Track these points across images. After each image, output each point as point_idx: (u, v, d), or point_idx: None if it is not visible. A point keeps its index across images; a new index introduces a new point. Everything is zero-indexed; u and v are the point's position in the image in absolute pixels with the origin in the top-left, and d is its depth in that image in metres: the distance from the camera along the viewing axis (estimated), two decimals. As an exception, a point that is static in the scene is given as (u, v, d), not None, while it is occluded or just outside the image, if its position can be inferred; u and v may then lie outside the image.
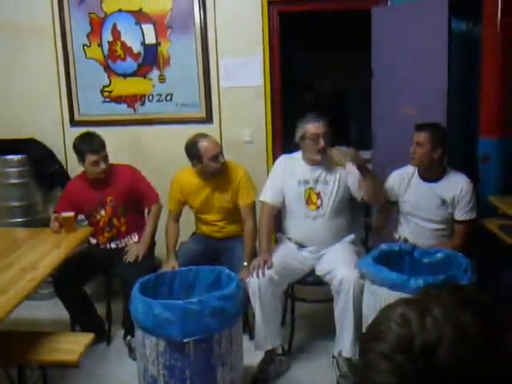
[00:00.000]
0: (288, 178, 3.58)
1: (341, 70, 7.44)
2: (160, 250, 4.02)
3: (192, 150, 3.66)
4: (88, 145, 3.71)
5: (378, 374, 0.72)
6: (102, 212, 3.84)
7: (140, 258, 3.70)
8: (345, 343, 3.25)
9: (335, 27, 6.58)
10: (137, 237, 3.90)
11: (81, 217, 3.99)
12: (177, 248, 3.90)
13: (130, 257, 3.71)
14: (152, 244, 3.92)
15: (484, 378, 0.70)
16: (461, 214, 3.43)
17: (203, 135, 3.73)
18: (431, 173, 3.47)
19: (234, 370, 2.88)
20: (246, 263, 3.60)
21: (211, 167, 3.67)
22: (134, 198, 3.89)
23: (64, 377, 3.35)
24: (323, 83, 7.79)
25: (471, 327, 0.72)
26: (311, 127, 3.44)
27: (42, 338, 2.87)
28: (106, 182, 3.82)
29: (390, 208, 3.65)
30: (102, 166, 3.71)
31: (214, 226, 3.90)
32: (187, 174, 3.83)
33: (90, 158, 3.68)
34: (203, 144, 3.64)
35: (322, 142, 3.43)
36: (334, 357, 3.37)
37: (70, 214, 3.63)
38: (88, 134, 3.82)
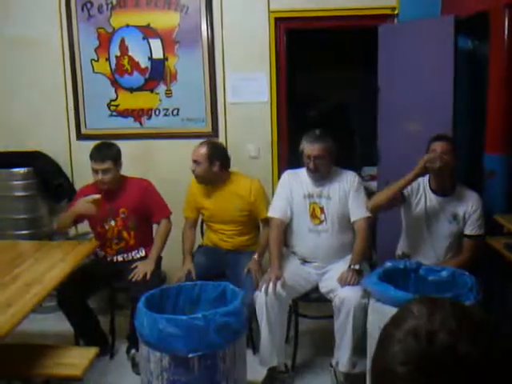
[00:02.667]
0: (294, 192, 3.61)
1: (344, 85, 7.45)
2: (166, 265, 4.02)
3: None
4: (93, 151, 3.80)
5: (391, 355, 0.87)
6: (112, 223, 3.85)
7: (148, 276, 3.69)
8: (342, 358, 3.32)
9: (338, 43, 6.59)
10: (144, 252, 3.91)
11: (87, 228, 4.01)
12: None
13: (138, 276, 3.68)
14: (159, 259, 3.92)
15: (479, 360, 0.83)
16: (470, 229, 3.44)
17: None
18: (443, 186, 3.47)
19: (237, 386, 2.87)
20: (256, 256, 3.69)
21: None
22: (146, 212, 3.90)
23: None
24: (326, 99, 7.80)
25: (475, 319, 0.88)
26: (307, 148, 3.50)
27: (47, 351, 2.87)
28: (119, 194, 3.84)
29: (398, 197, 3.49)
30: (99, 176, 3.73)
31: (223, 234, 3.94)
32: None
33: (91, 164, 3.75)
34: None
35: (311, 165, 3.49)
36: (331, 366, 3.42)
37: (98, 196, 3.67)
38: (103, 143, 3.90)
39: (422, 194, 3.51)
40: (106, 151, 3.79)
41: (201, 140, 4.03)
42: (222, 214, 3.89)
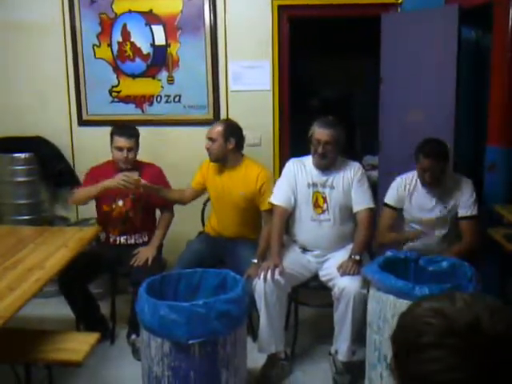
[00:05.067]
0: (298, 181, 3.60)
1: (346, 76, 7.44)
2: (166, 252, 4.04)
3: None
4: (119, 128, 3.83)
5: (433, 363, 0.79)
6: (120, 203, 3.85)
7: (150, 262, 3.71)
8: (341, 347, 3.34)
9: (339, 33, 6.56)
10: (147, 237, 3.91)
11: (88, 213, 3.99)
12: (181, 246, 3.97)
13: (139, 261, 3.71)
14: (160, 246, 3.92)
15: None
16: (465, 211, 3.47)
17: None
18: (434, 182, 3.48)
19: (237, 373, 2.88)
20: (255, 260, 3.61)
21: None
22: (153, 197, 3.87)
23: (66, 375, 3.36)
24: (328, 89, 7.79)
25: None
26: (317, 132, 3.48)
27: (48, 336, 2.88)
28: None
29: (394, 215, 3.63)
30: (125, 154, 3.74)
31: (225, 221, 3.93)
32: None
33: (116, 141, 3.76)
34: None
35: (320, 149, 3.47)
36: (330, 354, 3.45)
37: (138, 177, 3.69)
38: (127, 124, 3.99)
39: (413, 189, 3.55)
40: (132, 130, 3.85)
41: (202, 127, 4.01)
42: (227, 197, 3.86)
